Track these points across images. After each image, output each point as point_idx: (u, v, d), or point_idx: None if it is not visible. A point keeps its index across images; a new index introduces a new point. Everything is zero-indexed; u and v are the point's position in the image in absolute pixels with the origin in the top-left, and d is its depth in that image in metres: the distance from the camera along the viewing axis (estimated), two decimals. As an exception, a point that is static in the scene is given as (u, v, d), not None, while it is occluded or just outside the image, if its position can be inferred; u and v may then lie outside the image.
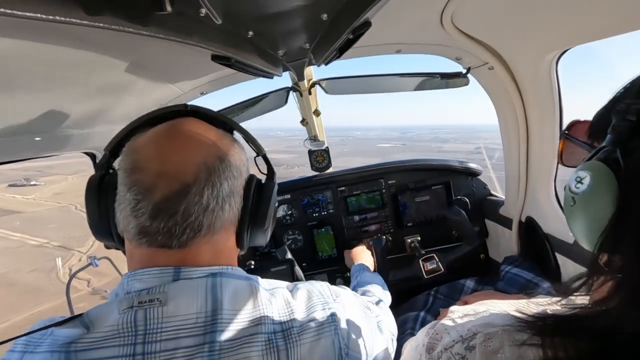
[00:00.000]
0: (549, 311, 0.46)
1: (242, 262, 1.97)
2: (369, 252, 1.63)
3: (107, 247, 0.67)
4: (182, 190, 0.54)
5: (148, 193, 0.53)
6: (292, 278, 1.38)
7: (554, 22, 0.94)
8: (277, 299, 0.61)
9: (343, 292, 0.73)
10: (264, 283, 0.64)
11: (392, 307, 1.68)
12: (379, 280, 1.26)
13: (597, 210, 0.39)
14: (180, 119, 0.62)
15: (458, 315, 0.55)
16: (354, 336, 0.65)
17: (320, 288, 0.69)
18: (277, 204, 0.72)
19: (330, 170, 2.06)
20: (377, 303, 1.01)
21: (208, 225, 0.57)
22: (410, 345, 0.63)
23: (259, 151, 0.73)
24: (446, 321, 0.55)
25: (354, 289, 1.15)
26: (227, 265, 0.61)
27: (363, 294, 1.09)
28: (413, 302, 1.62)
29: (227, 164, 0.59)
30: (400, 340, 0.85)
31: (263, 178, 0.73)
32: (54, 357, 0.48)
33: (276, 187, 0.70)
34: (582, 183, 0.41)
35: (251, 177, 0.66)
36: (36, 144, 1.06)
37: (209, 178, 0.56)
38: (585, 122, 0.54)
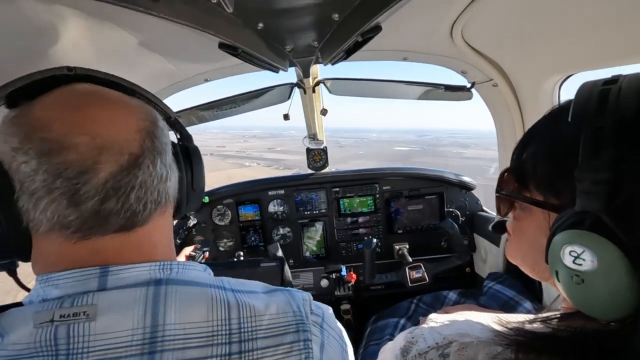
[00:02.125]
0: (527, 326, 0.47)
1: (231, 253, 1.97)
2: None
3: None
4: (133, 163, 0.47)
5: (90, 174, 0.44)
6: (281, 277, 1.38)
7: (560, 46, 0.95)
8: (242, 311, 0.50)
9: (327, 312, 0.61)
10: (232, 285, 0.54)
11: (374, 311, 1.70)
12: None
13: (617, 285, 0.36)
14: (76, 85, 0.51)
15: (436, 322, 0.56)
16: None
17: (300, 301, 0.56)
18: None
19: (332, 170, 2.07)
20: None
21: (166, 197, 0.52)
22: (387, 348, 0.64)
23: (169, 115, 0.63)
24: (424, 327, 0.55)
25: None
26: (167, 259, 0.52)
27: None
28: (395, 309, 1.63)
29: (161, 129, 0.53)
30: (379, 345, 0.85)
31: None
32: None
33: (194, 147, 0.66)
34: (582, 259, 0.38)
35: (174, 143, 0.60)
36: None
37: (154, 144, 0.50)
38: (511, 170, 0.54)
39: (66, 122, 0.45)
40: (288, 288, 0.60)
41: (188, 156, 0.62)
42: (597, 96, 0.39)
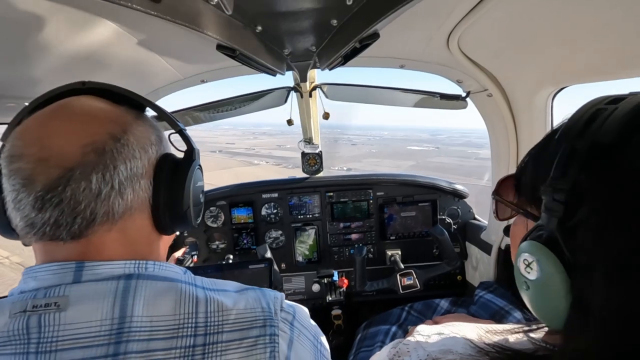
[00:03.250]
0: (510, 339, 0.47)
1: (223, 255, 1.96)
2: None
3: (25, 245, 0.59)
4: (63, 176, 0.47)
5: (29, 183, 0.47)
6: (270, 278, 1.37)
7: (553, 59, 0.97)
8: (210, 306, 0.52)
9: (299, 311, 0.62)
10: (205, 283, 0.57)
11: (365, 317, 1.69)
12: None
13: (552, 296, 0.39)
14: (73, 98, 0.55)
15: (423, 335, 0.56)
16: None
17: (271, 299, 0.58)
18: (201, 184, 0.67)
19: (325, 174, 2.07)
20: None
21: (105, 213, 0.50)
22: (375, 357, 0.64)
23: (174, 127, 0.64)
24: (410, 341, 0.56)
25: None
26: (144, 259, 0.54)
27: None
28: (387, 315, 1.63)
29: (124, 143, 0.52)
30: (370, 352, 0.85)
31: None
32: None
33: (195, 165, 0.63)
34: (531, 268, 0.41)
35: (165, 156, 0.59)
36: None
37: (99, 160, 0.49)
38: (512, 177, 0.55)
39: (32, 133, 0.50)
40: (262, 288, 0.62)
41: (173, 172, 0.59)
42: (588, 116, 0.40)
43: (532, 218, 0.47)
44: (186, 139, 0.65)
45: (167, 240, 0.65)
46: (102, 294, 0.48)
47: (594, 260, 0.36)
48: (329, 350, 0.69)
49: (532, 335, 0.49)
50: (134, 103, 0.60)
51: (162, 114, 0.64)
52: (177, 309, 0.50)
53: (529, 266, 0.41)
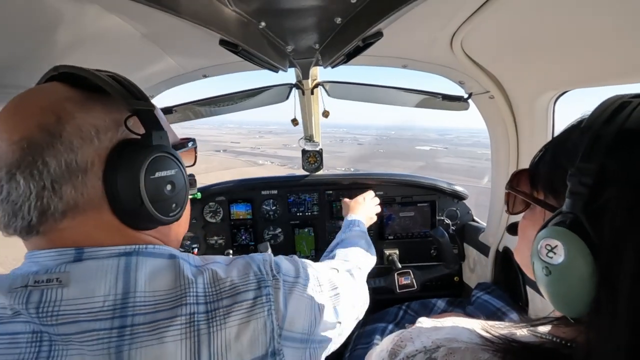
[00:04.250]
0: (517, 334, 0.47)
1: (221, 251, 1.96)
2: (370, 204, 1.47)
3: None
4: (1, 177, 0.46)
5: None
6: None
7: (556, 63, 0.97)
8: (205, 276, 0.55)
9: (287, 265, 0.66)
10: (196, 260, 0.59)
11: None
12: (364, 242, 1.14)
13: (578, 282, 0.39)
14: (34, 88, 0.54)
15: (425, 325, 0.56)
16: (291, 315, 0.59)
17: (260, 262, 0.62)
18: (174, 172, 0.58)
19: (325, 172, 2.07)
20: (350, 271, 0.89)
21: (42, 213, 0.48)
22: (374, 352, 0.64)
23: (130, 106, 0.54)
24: (413, 330, 0.56)
25: (333, 249, 1.07)
26: (144, 243, 0.54)
27: (337, 257, 0.99)
28: (383, 314, 1.64)
29: (55, 134, 0.47)
30: (366, 349, 0.86)
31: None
32: None
33: (150, 152, 0.54)
34: (554, 252, 0.41)
35: (120, 144, 0.53)
36: None
37: (25, 157, 0.46)
38: (526, 170, 0.55)
39: None
40: (250, 254, 0.65)
41: (122, 161, 0.52)
42: (615, 107, 0.41)
43: (549, 209, 0.47)
44: (143, 121, 0.55)
45: (165, 231, 0.61)
46: (103, 271, 0.48)
47: (624, 239, 0.36)
48: (313, 263, 0.76)
49: (537, 329, 0.48)
50: (92, 84, 0.53)
51: (114, 91, 0.52)
52: (177, 281, 0.52)
53: (552, 251, 0.41)
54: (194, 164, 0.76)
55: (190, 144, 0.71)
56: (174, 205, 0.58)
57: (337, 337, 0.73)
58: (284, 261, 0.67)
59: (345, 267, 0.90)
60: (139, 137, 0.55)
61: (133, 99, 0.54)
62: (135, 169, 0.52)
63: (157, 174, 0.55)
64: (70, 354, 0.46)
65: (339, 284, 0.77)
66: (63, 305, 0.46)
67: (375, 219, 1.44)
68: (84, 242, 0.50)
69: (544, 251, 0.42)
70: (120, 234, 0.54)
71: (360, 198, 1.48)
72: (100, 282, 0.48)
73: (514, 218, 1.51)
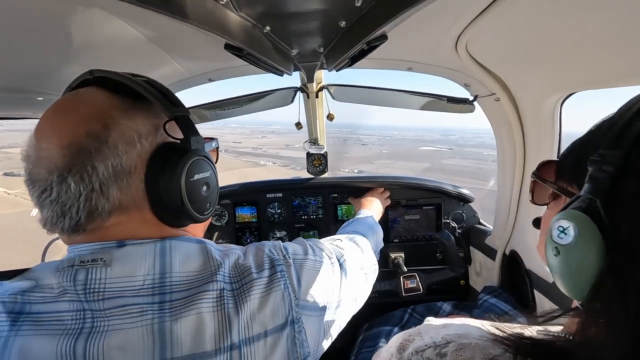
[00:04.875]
0: (526, 333, 0.47)
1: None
2: (379, 204, 1.52)
3: None
4: (49, 178, 0.51)
5: (31, 183, 0.53)
6: None
7: (562, 65, 0.96)
8: (230, 259, 0.62)
9: (295, 247, 0.74)
10: (219, 246, 0.65)
11: (366, 319, 1.69)
12: (371, 223, 1.26)
13: (583, 262, 0.38)
14: (75, 92, 0.58)
15: (435, 323, 0.56)
16: (305, 286, 0.66)
17: (270, 246, 0.70)
18: (209, 174, 0.63)
19: (330, 175, 2.07)
20: (352, 239, 0.98)
21: (90, 213, 0.52)
22: (380, 352, 0.64)
23: (169, 112, 0.57)
24: (422, 327, 0.55)
25: (340, 231, 1.17)
26: (177, 236, 0.60)
27: (341, 233, 1.10)
28: (389, 317, 1.63)
29: (103, 140, 0.52)
30: (371, 352, 0.86)
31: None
32: (6, 307, 0.49)
33: (190, 156, 0.58)
34: (565, 233, 0.40)
35: (161, 147, 0.57)
36: (38, 104, 1.06)
37: (75, 162, 0.50)
38: (554, 162, 0.56)
39: (36, 133, 0.53)
40: (261, 242, 0.73)
41: (163, 164, 0.56)
42: None
43: (569, 195, 0.48)
44: (182, 126, 0.59)
45: (191, 229, 0.67)
46: (142, 254, 0.54)
47: (635, 230, 0.36)
48: (318, 240, 0.84)
49: (549, 328, 0.48)
50: (130, 91, 0.57)
51: (154, 98, 0.56)
52: (206, 264, 0.59)
53: (564, 232, 0.41)
54: (215, 162, 0.78)
55: (213, 144, 0.76)
56: (208, 204, 0.64)
57: (351, 303, 0.80)
58: (291, 244, 0.75)
59: (348, 237, 0.99)
60: (178, 141, 0.59)
61: (171, 105, 0.57)
62: (177, 172, 0.56)
63: (196, 177, 0.59)
64: (111, 328, 0.50)
65: (344, 251, 0.85)
66: (108, 283, 0.51)
67: (382, 212, 1.51)
68: (125, 237, 0.55)
69: (555, 232, 0.42)
70: (157, 229, 0.59)
71: (370, 198, 1.58)
72: (140, 263, 0.53)
73: (521, 220, 1.49)
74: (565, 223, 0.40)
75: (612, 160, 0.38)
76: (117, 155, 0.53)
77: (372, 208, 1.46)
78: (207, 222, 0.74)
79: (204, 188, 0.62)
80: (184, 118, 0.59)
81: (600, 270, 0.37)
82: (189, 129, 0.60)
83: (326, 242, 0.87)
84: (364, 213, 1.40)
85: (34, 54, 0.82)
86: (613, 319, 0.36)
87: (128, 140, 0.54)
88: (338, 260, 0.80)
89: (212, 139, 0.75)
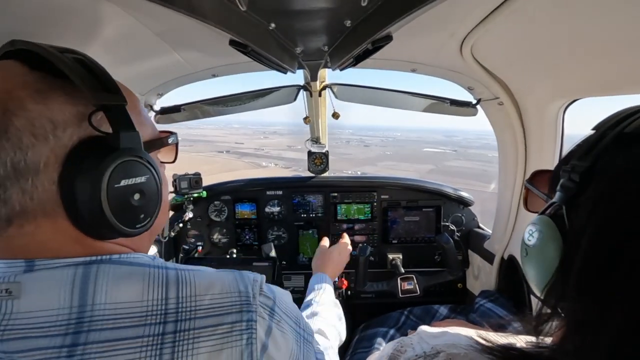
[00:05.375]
0: (516, 344, 0.47)
1: (225, 250, 1.97)
2: (341, 257, 1.32)
3: None
4: None
5: None
6: (273, 277, 1.38)
7: (567, 71, 0.96)
8: (182, 290, 0.47)
9: (280, 295, 0.58)
10: (177, 265, 0.51)
11: (363, 319, 1.69)
12: (336, 311, 1.04)
13: (544, 261, 0.43)
14: None
15: (426, 333, 0.56)
16: (272, 351, 0.51)
17: (249, 282, 0.53)
18: (145, 179, 0.50)
19: (330, 174, 2.07)
20: (326, 350, 0.79)
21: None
22: (373, 357, 0.64)
23: (95, 99, 0.45)
24: (413, 337, 0.56)
25: (305, 307, 0.99)
26: (108, 253, 0.47)
27: (317, 326, 0.88)
28: (385, 318, 1.63)
29: (1, 129, 0.40)
30: (367, 353, 0.86)
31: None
32: None
33: (116, 156, 0.46)
34: (532, 236, 0.45)
35: (83, 143, 0.45)
36: None
37: None
38: (547, 171, 0.58)
39: None
40: (241, 270, 0.56)
41: (82, 162, 0.44)
42: (623, 116, 0.42)
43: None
44: (112, 118, 0.47)
45: (137, 240, 0.54)
46: (59, 281, 0.42)
47: (584, 231, 0.39)
48: (312, 329, 0.67)
49: (540, 340, 0.48)
50: (55, 68, 0.45)
51: (78, 79, 0.44)
52: (144, 294, 0.45)
53: (532, 234, 0.46)
54: (174, 161, 0.67)
55: (170, 140, 0.62)
56: (142, 215, 0.50)
57: None
58: (279, 290, 0.60)
59: (322, 345, 0.80)
60: (104, 136, 0.47)
61: (103, 91, 0.46)
62: (97, 175, 0.44)
63: (123, 182, 0.47)
64: None
65: (323, 350, 0.74)
66: (12, 319, 0.40)
67: (343, 267, 1.32)
68: (36, 253, 0.44)
69: (526, 235, 0.47)
70: (80, 244, 0.47)
71: (328, 250, 1.33)
72: (54, 293, 0.42)
73: (520, 225, 1.49)
74: (533, 227, 0.46)
75: (579, 170, 0.41)
76: (19, 149, 0.41)
77: (330, 268, 1.23)
78: (153, 233, 0.60)
79: (136, 196, 0.49)
80: (117, 108, 0.47)
81: (556, 268, 0.41)
82: (121, 122, 0.48)
83: (301, 319, 0.66)
84: (319, 273, 1.19)
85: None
86: (567, 315, 0.40)
87: (36, 131, 0.42)
88: (317, 348, 0.69)
89: (170, 133, 0.63)
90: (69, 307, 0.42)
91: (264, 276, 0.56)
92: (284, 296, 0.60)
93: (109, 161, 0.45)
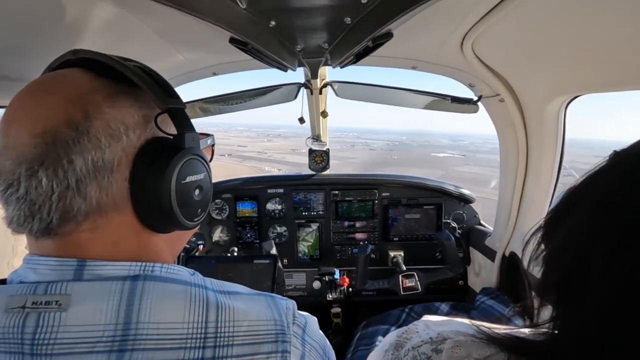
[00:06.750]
0: (519, 333, 0.48)
1: (226, 248, 1.97)
2: None
3: None
4: (16, 171, 0.42)
5: None
6: (273, 275, 1.38)
7: (568, 67, 0.95)
8: (221, 314, 0.47)
9: (310, 323, 0.59)
10: (215, 285, 0.51)
11: (364, 317, 1.69)
12: None
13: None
14: (55, 72, 0.50)
15: (431, 321, 0.57)
16: None
17: (283, 309, 0.53)
18: (203, 176, 0.55)
19: (331, 172, 2.07)
20: None
21: (64, 215, 0.44)
22: (375, 349, 0.64)
23: (162, 104, 0.50)
24: (419, 324, 0.56)
25: None
26: (153, 261, 0.49)
27: None
28: (386, 316, 1.63)
29: (82, 131, 0.43)
30: (368, 350, 0.85)
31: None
32: None
33: (183, 155, 0.50)
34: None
35: (150, 142, 0.49)
36: None
37: (49, 153, 0.42)
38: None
39: (4, 117, 0.45)
40: (272, 294, 0.57)
41: (151, 162, 0.48)
42: None
43: None
44: (176, 121, 0.52)
45: (174, 237, 0.57)
46: (106, 295, 0.43)
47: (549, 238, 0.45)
48: (334, 354, 0.67)
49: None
50: (119, 75, 0.48)
51: (146, 86, 0.49)
52: (186, 315, 0.45)
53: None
54: (210, 161, 0.70)
55: (209, 141, 0.66)
56: (199, 210, 0.55)
57: None
58: (309, 317, 0.60)
59: None
60: (171, 137, 0.51)
61: (167, 96, 0.50)
62: (168, 172, 0.48)
63: (189, 179, 0.52)
64: None
65: None
66: (60, 332, 0.41)
67: None
68: (91, 254, 0.46)
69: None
70: (138, 237, 0.50)
71: None
72: (102, 306, 0.43)
73: (522, 221, 1.49)
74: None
75: (566, 195, 0.45)
76: (99, 149, 0.44)
77: None
78: (193, 231, 0.63)
79: (196, 192, 0.54)
80: (179, 112, 0.52)
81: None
82: (184, 124, 0.52)
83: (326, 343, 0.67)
84: None
85: (30, 42, 0.81)
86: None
87: (112, 132, 0.45)
88: None
89: (207, 135, 0.67)
90: (115, 324, 0.42)
91: (294, 302, 0.57)
92: (313, 324, 0.60)
93: (177, 159, 0.49)
